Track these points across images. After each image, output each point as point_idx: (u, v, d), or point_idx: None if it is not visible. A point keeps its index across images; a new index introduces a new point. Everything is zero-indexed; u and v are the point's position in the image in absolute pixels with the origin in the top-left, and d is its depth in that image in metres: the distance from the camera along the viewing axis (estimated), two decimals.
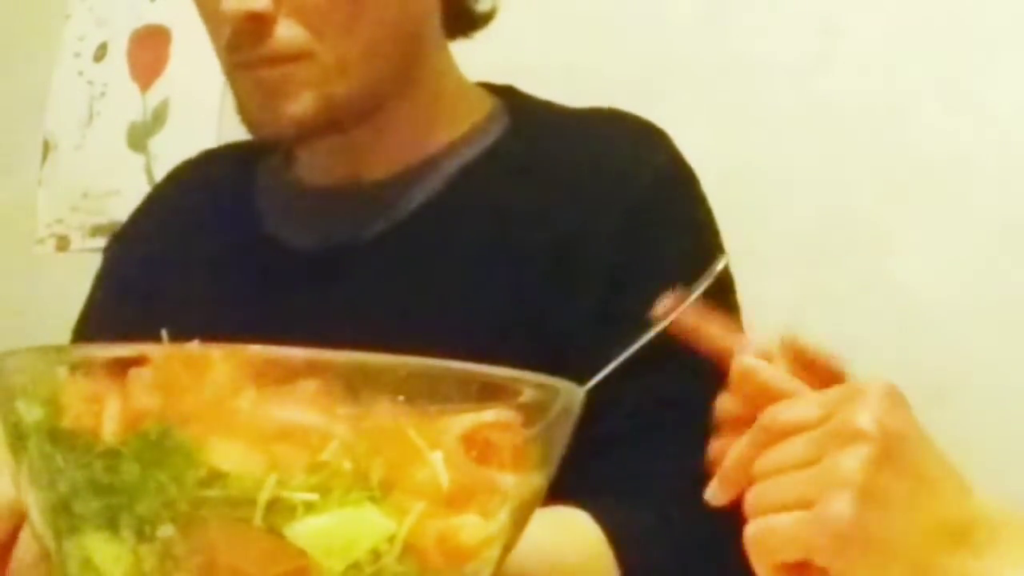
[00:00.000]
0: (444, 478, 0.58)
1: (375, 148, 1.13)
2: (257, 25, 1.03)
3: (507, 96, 1.19)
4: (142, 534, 0.57)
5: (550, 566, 0.93)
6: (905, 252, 1.40)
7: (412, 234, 1.11)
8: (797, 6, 1.51)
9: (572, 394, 0.64)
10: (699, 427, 1.05)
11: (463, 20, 1.16)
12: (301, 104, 1.05)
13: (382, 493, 0.57)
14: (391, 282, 1.10)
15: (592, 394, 0.99)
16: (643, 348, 1.00)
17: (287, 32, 1.04)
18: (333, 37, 1.05)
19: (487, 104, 1.18)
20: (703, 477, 1.03)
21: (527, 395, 0.61)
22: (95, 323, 1.20)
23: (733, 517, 1.07)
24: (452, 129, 1.15)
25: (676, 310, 0.75)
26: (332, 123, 1.07)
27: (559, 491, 0.97)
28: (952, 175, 1.40)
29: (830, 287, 1.42)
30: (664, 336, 1.02)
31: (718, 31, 1.55)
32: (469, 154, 1.14)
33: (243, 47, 1.04)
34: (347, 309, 1.09)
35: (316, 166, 1.16)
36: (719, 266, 0.78)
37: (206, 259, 1.18)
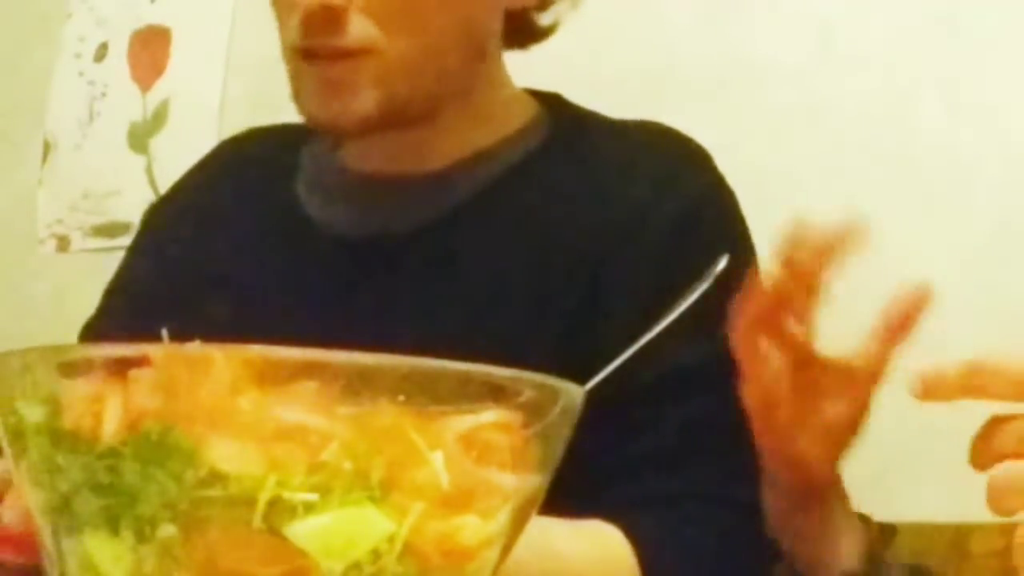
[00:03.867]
0: (444, 478, 0.58)
1: (424, 145, 1.14)
2: (331, 16, 1.04)
3: (551, 103, 1.20)
4: (142, 534, 0.57)
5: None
6: (905, 252, 1.40)
7: (449, 231, 1.12)
8: (797, 6, 1.51)
9: (572, 394, 0.64)
10: (736, 451, 1.06)
11: (525, 33, 1.18)
12: (363, 101, 1.06)
13: (382, 493, 0.57)
14: (424, 277, 1.11)
15: (633, 411, 1.00)
16: (685, 370, 1.01)
17: (358, 26, 1.05)
18: (400, 35, 1.06)
19: (531, 109, 1.19)
20: (736, 500, 1.04)
21: (527, 395, 0.61)
22: (128, 294, 1.21)
23: (768, 544, 1.08)
24: (496, 131, 1.16)
25: (677, 309, 0.75)
26: (391, 121, 1.09)
27: (595, 503, 0.98)
28: (952, 175, 1.40)
29: (829, 287, 1.42)
30: (704, 360, 1.03)
31: (718, 31, 1.55)
32: (511, 157, 1.15)
33: (315, 35, 1.05)
34: (383, 298, 1.10)
35: (363, 155, 1.17)
36: (719, 267, 0.78)
37: (244, 240, 1.18)
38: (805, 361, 0.87)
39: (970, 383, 0.72)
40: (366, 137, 1.12)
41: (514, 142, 1.16)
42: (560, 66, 1.50)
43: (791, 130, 1.48)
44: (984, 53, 1.40)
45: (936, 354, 1.38)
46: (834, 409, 0.89)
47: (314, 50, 1.07)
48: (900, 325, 0.86)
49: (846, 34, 1.48)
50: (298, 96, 1.10)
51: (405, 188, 1.15)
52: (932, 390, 0.72)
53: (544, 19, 1.19)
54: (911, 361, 1.37)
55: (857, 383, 0.88)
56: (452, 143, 1.14)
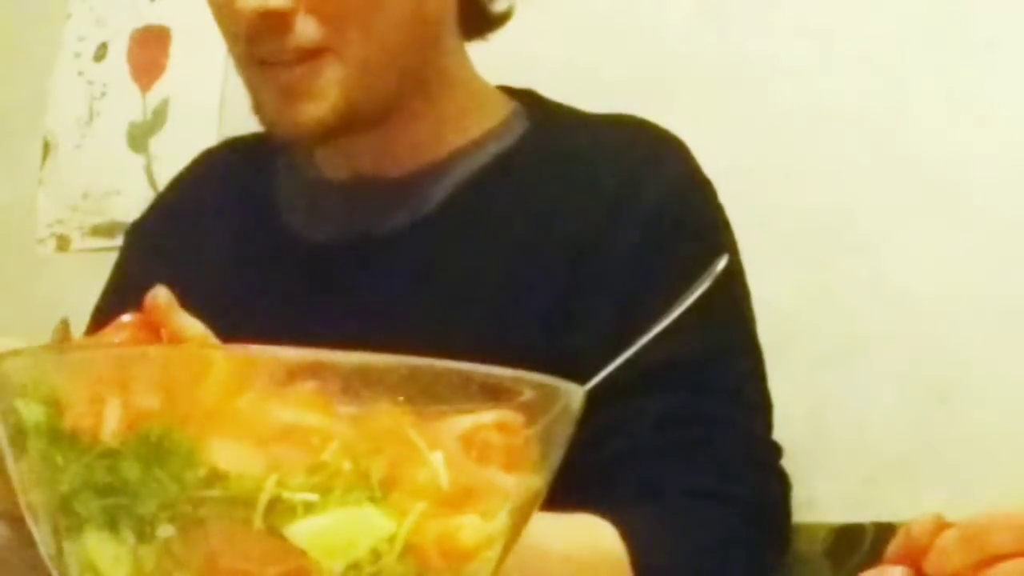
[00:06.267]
0: (444, 478, 0.58)
1: (392, 146, 1.13)
2: (275, 22, 1.03)
3: (527, 99, 1.19)
4: (142, 534, 0.57)
5: (568, 572, 0.93)
6: (905, 253, 1.40)
7: (429, 232, 1.12)
8: (797, 6, 1.51)
9: (572, 394, 0.64)
10: (724, 444, 1.06)
11: (479, 21, 1.16)
12: (321, 106, 1.05)
13: (382, 493, 0.57)
14: (405, 279, 1.11)
15: (615, 408, 1.00)
16: (667, 365, 1.01)
17: (306, 29, 1.03)
18: (352, 35, 1.04)
19: (506, 107, 1.18)
20: (727, 495, 1.04)
21: (527, 395, 0.61)
22: (114, 310, 1.20)
23: (750, 538, 1.07)
24: (470, 130, 1.15)
25: (678, 308, 0.75)
26: (350, 124, 1.07)
27: (581, 501, 0.98)
28: (952, 175, 1.39)
29: (830, 287, 1.42)
30: (691, 352, 1.03)
31: (718, 31, 1.54)
32: (488, 155, 1.14)
33: (261, 44, 1.04)
34: (362, 303, 1.10)
35: (333, 161, 1.16)
36: (719, 266, 0.78)
37: (225, 250, 1.18)
38: None
39: (973, 546, 0.70)
40: (327, 143, 1.11)
41: (490, 140, 1.15)
42: (559, 66, 1.50)
43: (791, 130, 1.48)
44: (984, 53, 1.40)
45: (936, 355, 1.38)
46: None
47: (264, 57, 1.05)
48: None
49: (847, 34, 1.48)
50: (258, 106, 1.09)
51: (381, 193, 1.14)
52: (941, 566, 0.70)
53: (498, 6, 1.17)
54: (913, 360, 1.37)
55: None
56: (425, 145, 1.13)
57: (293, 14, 1.03)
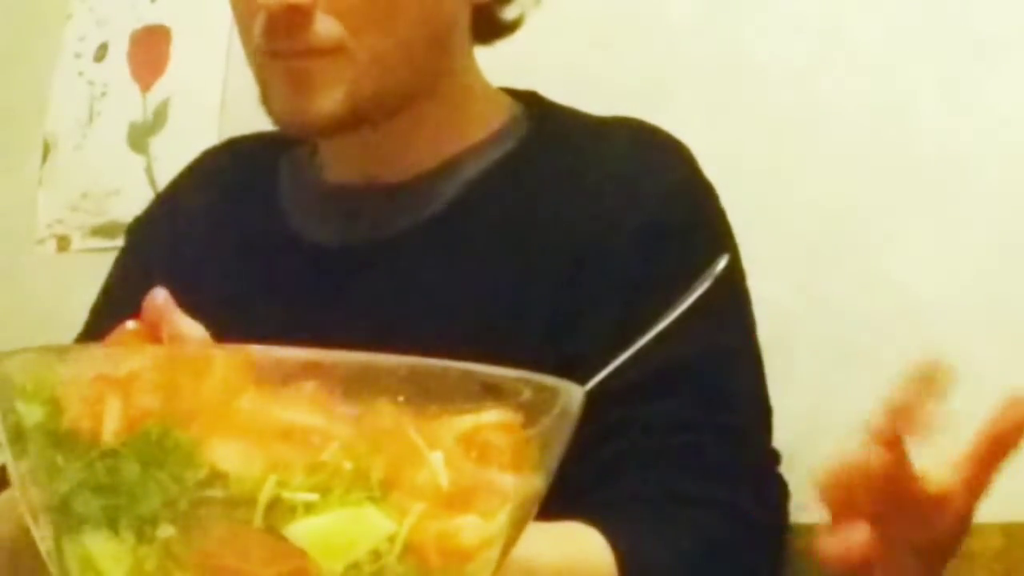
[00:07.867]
0: (444, 478, 0.59)
1: (398, 148, 1.13)
2: (295, 17, 1.04)
3: (529, 102, 1.19)
4: (142, 534, 0.57)
5: None
6: (905, 252, 1.40)
7: (432, 235, 1.12)
8: (797, 6, 1.51)
9: (572, 394, 0.64)
10: (716, 450, 1.06)
11: (491, 27, 1.17)
12: (331, 99, 1.05)
13: (382, 493, 0.57)
14: (409, 282, 1.11)
15: (610, 412, 1.00)
16: (663, 369, 1.01)
17: (324, 26, 1.04)
18: (368, 34, 1.05)
19: (509, 109, 1.18)
20: (715, 500, 1.04)
21: (527, 395, 0.61)
22: (113, 307, 1.20)
23: (744, 545, 1.07)
24: (474, 132, 1.15)
25: (677, 308, 0.75)
26: (359, 120, 1.08)
27: (574, 506, 0.98)
28: (952, 175, 1.40)
29: (830, 287, 1.42)
30: (689, 357, 1.03)
31: (718, 31, 1.55)
32: (490, 158, 1.15)
33: (279, 37, 1.05)
34: (364, 305, 1.10)
35: (338, 163, 1.16)
36: (719, 267, 0.78)
37: (227, 251, 1.18)
38: (898, 496, 0.80)
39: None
40: (335, 137, 1.11)
41: (493, 143, 1.15)
42: (560, 66, 1.50)
43: (791, 130, 1.48)
44: (984, 53, 1.40)
45: (937, 355, 1.38)
46: (928, 535, 0.81)
47: (278, 49, 1.06)
48: (1003, 446, 0.81)
49: (846, 34, 1.48)
50: (266, 97, 1.09)
51: (384, 196, 1.14)
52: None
53: (508, 13, 1.18)
54: (913, 360, 1.37)
55: (955, 506, 0.81)
56: (429, 148, 1.14)
57: (313, 10, 1.04)
